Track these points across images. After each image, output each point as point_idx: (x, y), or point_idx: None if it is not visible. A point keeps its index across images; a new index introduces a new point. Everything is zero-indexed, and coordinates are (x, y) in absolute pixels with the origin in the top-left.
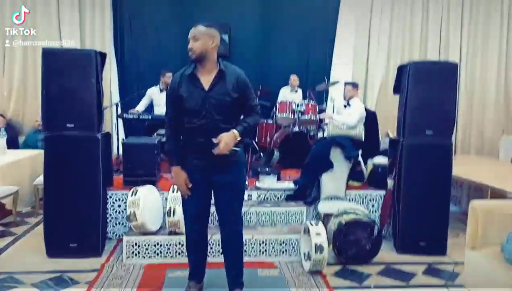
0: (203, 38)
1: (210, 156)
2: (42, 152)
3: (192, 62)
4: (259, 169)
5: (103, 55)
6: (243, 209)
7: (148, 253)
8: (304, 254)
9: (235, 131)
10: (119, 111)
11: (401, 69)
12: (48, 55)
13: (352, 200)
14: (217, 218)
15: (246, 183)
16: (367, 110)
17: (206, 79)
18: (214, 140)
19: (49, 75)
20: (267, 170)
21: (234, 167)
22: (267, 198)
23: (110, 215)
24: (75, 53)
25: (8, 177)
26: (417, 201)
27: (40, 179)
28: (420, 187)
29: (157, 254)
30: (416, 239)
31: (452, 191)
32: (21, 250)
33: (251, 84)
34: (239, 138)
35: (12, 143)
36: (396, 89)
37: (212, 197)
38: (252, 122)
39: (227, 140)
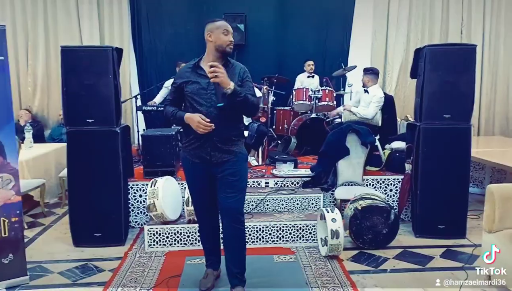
0: None
1: (211, 144)
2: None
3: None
4: (276, 156)
5: (119, 51)
6: (259, 197)
7: (169, 241)
8: (321, 239)
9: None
10: (139, 104)
11: (417, 53)
12: (67, 53)
13: (370, 185)
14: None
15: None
16: (384, 94)
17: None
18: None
19: (69, 72)
20: (284, 157)
21: (235, 156)
22: (284, 185)
23: (132, 204)
24: (92, 50)
25: (35, 169)
26: (436, 184)
27: (65, 171)
28: (438, 170)
29: (177, 242)
30: (435, 222)
31: (473, 173)
32: (48, 240)
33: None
34: (231, 85)
35: (38, 137)
36: (414, 74)
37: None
38: (250, 95)
39: (223, 71)
